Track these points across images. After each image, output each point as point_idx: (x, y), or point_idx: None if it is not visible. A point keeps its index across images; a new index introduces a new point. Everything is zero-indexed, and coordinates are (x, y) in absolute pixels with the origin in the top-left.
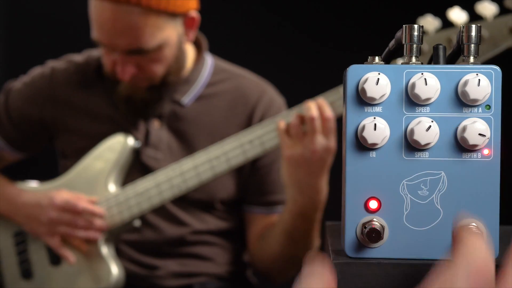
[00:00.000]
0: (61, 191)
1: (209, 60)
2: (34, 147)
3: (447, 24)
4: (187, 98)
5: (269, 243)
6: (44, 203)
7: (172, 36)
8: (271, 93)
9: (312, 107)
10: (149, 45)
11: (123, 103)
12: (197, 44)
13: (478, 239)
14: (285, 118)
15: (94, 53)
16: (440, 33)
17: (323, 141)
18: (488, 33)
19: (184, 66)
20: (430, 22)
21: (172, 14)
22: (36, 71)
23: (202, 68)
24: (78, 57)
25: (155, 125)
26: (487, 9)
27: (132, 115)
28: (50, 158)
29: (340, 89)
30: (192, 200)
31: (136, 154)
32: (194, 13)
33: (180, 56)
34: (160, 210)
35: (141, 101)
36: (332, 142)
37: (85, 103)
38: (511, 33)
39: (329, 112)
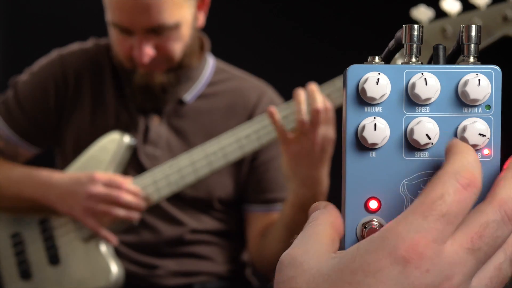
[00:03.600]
0: (99, 171)
1: (211, 60)
2: (49, 139)
3: (440, 14)
4: (189, 96)
5: (270, 240)
6: (83, 179)
7: (188, 16)
8: (270, 95)
9: (318, 99)
10: (169, 21)
11: (140, 93)
12: (199, 44)
13: (467, 148)
14: (283, 111)
15: (101, 40)
16: (434, 23)
17: (323, 132)
18: (481, 22)
19: (196, 51)
20: (423, 13)
21: None
22: (43, 61)
23: (204, 67)
24: (85, 44)
25: (155, 121)
26: None
27: (148, 106)
28: (47, 155)
29: (335, 81)
30: (190, 198)
31: (133, 151)
32: None
33: (195, 37)
34: (157, 211)
35: (159, 87)
36: (331, 132)
37: (92, 92)
38: (505, 21)
39: (327, 102)
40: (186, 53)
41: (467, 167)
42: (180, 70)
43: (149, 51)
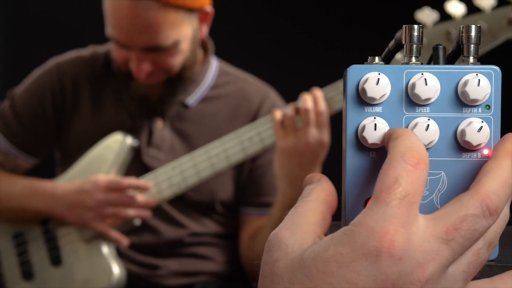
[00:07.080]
0: (100, 174)
1: (214, 63)
2: (48, 149)
3: (445, 16)
4: (192, 99)
5: (259, 241)
6: (88, 187)
7: (188, 31)
8: (273, 97)
9: (308, 99)
10: (166, 42)
11: (136, 102)
12: (203, 47)
13: (405, 131)
14: (283, 112)
15: (100, 48)
16: (438, 26)
17: (316, 134)
18: (486, 25)
19: (197, 60)
20: (427, 15)
21: (189, 10)
22: (39, 71)
23: (208, 70)
24: (83, 52)
25: (158, 124)
26: (485, 1)
27: (145, 114)
28: (46, 161)
29: (339, 84)
30: (192, 201)
31: (137, 153)
32: (209, 8)
33: (195, 49)
34: (159, 212)
35: (157, 98)
36: (326, 136)
37: (91, 99)
38: (510, 24)
39: (322, 106)
40: (185, 66)
41: (411, 147)
42: (179, 81)
43: (146, 67)
